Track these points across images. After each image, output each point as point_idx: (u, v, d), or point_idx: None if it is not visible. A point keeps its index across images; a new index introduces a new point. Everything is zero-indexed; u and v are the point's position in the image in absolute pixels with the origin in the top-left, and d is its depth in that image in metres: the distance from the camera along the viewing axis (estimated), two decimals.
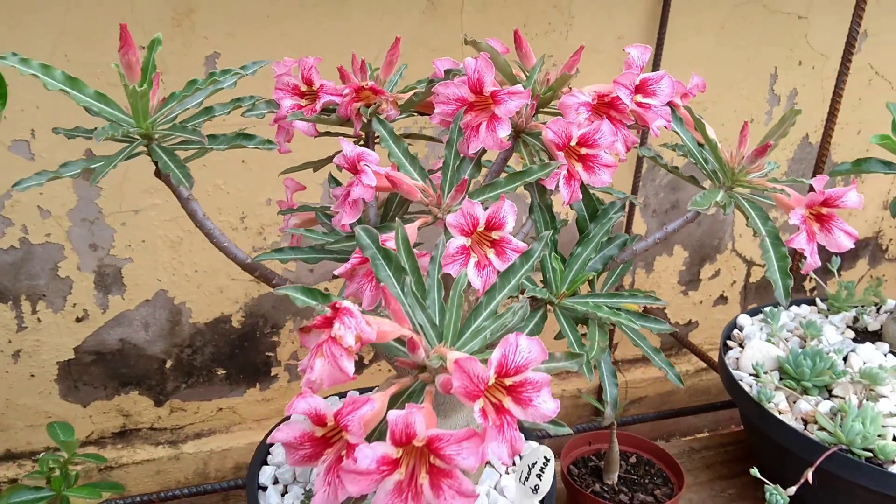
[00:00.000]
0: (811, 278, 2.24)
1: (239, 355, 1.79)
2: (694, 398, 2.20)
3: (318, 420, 0.66)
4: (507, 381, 0.65)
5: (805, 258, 0.90)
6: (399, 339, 0.72)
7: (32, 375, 1.63)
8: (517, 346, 0.65)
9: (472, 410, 0.65)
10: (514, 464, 1.13)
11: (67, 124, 1.45)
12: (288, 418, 0.84)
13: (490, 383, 0.64)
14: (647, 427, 2.07)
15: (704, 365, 2.21)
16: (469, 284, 0.78)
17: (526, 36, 1.03)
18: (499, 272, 0.80)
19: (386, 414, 0.65)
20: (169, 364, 1.74)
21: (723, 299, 2.20)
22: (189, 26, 1.48)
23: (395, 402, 0.70)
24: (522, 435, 0.67)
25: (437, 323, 0.72)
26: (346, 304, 0.68)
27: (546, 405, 0.66)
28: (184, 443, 1.81)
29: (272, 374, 1.83)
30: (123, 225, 1.59)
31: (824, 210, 0.90)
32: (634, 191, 1.92)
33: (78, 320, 1.63)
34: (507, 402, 0.66)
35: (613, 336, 2.06)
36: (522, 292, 0.89)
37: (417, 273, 0.76)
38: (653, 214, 2.01)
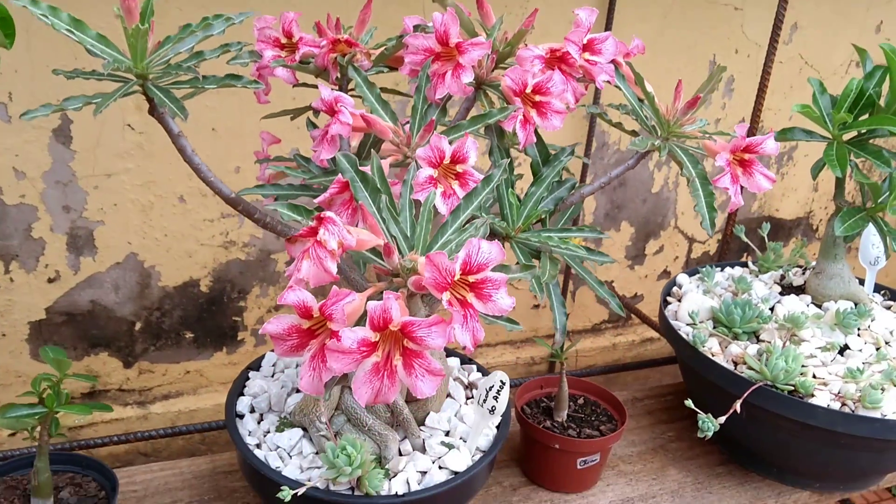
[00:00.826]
0: (750, 251, 2.39)
1: (206, 319, 1.86)
2: None
3: (305, 312, 0.75)
4: (471, 279, 0.76)
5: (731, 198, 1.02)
6: (374, 250, 0.82)
7: (3, 335, 1.68)
8: (479, 248, 0.75)
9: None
10: (472, 395, 1.24)
11: (43, 88, 1.52)
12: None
13: (456, 278, 0.74)
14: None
15: (650, 335, 2.35)
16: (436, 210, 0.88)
17: None
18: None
19: (365, 308, 0.74)
20: (138, 326, 1.80)
21: (666, 274, 2.34)
22: None
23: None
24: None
25: (409, 235, 0.82)
26: (329, 214, 0.77)
27: (503, 300, 0.77)
28: (152, 404, 1.87)
29: (239, 338, 1.90)
30: (96, 188, 1.65)
31: (746, 156, 1.02)
32: (585, 167, 2.04)
33: (50, 281, 1.68)
34: (471, 298, 0.76)
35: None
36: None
37: (391, 195, 0.86)
38: (601, 191, 2.14)
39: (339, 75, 1.06)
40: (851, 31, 2.25)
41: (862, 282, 1.58)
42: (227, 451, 1.76)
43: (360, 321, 0.78)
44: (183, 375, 1.89)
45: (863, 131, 1.36)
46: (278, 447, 1.08)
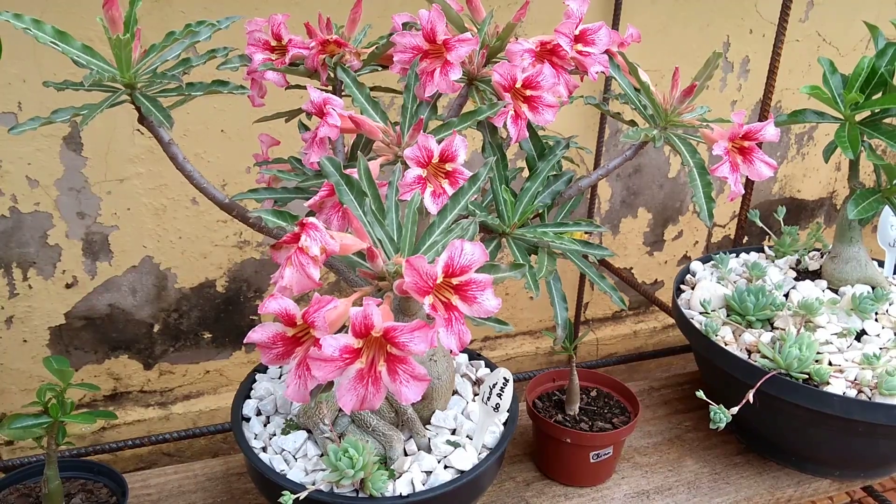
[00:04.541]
0: (769, 237, 2.34)
1: (224, 319, 1.87)
2: None
3: (288, 320, 0.75)
4: (454, 281, 0.75)
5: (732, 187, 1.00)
6: (360, 254, 0.81)
7: (25, 341, 1.71)
8: (462, 250, 0.74)
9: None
10: (479, 392, 1.23)
11: (53, 97, 1.54)
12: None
13: (438, 281, 0.73)
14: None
15: (670, 322, 2.32)
16: (426, 210, 0.88)
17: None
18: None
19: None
20: (157, 328, 1.82)
21: (686, 259, 2.31)
22: (167, 1, 1.56)
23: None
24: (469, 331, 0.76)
25: (395, 238, 0.82)
26: (311, 220, 0.77)
27: (489, 302, 0.76)
28: (173, 404, 1.89)
29: None
30: (109, 193, 1.67)
31: (746, 143, 1.00)
32: (598, 156, 2.01)
33: (68, 286, 1.71)
34: (455, 300, 0.75)
35: (583, 295, 2.16)
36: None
37: (378, 199, 0.85)
38: (617, 178, 2.11)
39: (331, 75, 1.05)
40: (870, 6, 2.19)
41: (881, 264, 1.54)
42: (241, 452, 1.78)
43: (346, 327, 0.77)
44: (203, 375, 1.91)
45: (876, 111, 1.32)
46: (283, 450, 1.09)
